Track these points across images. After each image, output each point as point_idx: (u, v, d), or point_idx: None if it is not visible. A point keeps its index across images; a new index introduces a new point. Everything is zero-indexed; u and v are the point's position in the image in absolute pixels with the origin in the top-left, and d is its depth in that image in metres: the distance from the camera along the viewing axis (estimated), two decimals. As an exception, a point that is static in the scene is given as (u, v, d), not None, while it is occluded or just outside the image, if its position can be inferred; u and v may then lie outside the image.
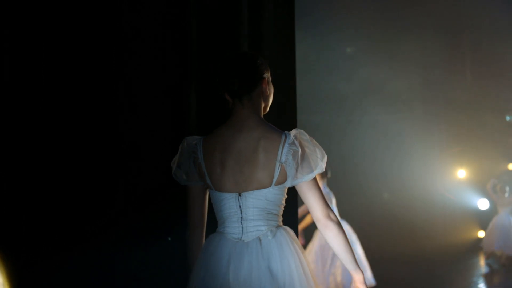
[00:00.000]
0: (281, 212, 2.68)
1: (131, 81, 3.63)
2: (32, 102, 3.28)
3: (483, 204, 13.34)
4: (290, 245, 2.61)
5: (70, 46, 3.39)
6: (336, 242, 2.61)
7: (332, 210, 2.63)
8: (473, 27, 13.13)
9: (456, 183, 13.38)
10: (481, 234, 13.31)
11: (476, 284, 9.25)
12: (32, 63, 3.28)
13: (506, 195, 10.88)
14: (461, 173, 13.34)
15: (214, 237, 2.69)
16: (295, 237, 2.69)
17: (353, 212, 11.79)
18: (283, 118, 4.24)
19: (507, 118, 14.06)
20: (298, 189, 2.62)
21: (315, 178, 2.61)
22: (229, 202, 2.62)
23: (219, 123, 2.77)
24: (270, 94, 2.77)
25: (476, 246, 12.88)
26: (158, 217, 3.63)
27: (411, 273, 8.72)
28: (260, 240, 2.59)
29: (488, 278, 9.97)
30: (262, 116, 2.73)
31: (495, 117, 13.70)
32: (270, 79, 2.77)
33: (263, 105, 2.74)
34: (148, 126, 3.69)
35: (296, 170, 2.56)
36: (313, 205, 2.60)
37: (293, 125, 4.29)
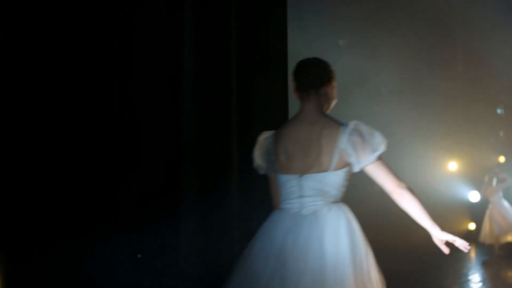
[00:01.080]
0: (340, 194, 3.04)
1: (129, 81, 3.63)
2: (28, 99, 3.27)
3: (474, 196, 13.40)
4: (345, 221, 2.94)
5: (67, 45, 3.38)
6: (413, 206, 2.99)
7: (402, 180, 3.00)
8: (465, 19, 13.14)
9: (447, 176, 13.43)
10: (471, 226, 13.39)
11: (467, 275, 9.30)
12: (30, 63, 3.27)
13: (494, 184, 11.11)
14: (452, 165, 13.38)
15: (276, 212, 3.11)
16: (352, 216, 3.00)
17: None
18: (275, 110, 4.25)
19: (498, 111, 14.11)
20: (366, 171, 2.99)
21: (380, 159, 2.97)
22: (291, 182, 3.02)
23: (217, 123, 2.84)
24: (332, 98, 3.18)
25: (467, 238, 12.91)
26: (156, 216, 3.64)
27: (402, 265, 8.75)
28: (316, 214, 2.95)
29: (480, 269, 10.03)
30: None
31: (486, 110, 13.73)
32: (335, 87, 3.20)
33: (325, 105, 3.16)
34: (146, 126, 3.69)
35: (357, 156, 2.94)
36: (384, 180, 2.98)
37: (285, 117, 4.29)
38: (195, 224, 3.86)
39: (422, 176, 12.28)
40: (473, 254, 11.56)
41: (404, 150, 11.93)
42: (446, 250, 3.11)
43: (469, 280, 8.78)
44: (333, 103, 3.21)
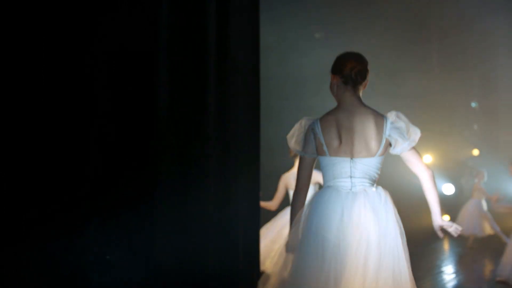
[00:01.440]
0: (378, 177, 3.46)
1: (105, 59, 3.61)
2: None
3: (448, 189, 13.54)
4: (389, 200, 3.39)
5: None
6: (432, 190, 3.57)
7: (429, 168, 3.53)
8: (440, 13, 13.24)
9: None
10: (445, 218, 13.50)
11: (440, 267, 9.39)
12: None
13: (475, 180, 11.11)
14: (427, 158, 13.50)
15: (325, 191, 3.40)
16: (390, 197, 3.42)
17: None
18: (246, 101, 4.25)
19: (472, 104, 14.25)
20: (402, 156, 3.47)
21: (413, 147, 3.44)
22: (342, 164, 3.37)
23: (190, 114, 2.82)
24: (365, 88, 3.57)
25: (441, 230, 13.05)
26: (123, 197, 3.62)
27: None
28: (366, 191, 3.36)
29: (453, 261, 10.14)
30: None
31: (460, 103, 13.86)
32: None
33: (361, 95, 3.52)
34: (119, 113, 3.67)
35: (398, 143, 3.39)
36: (416, 164, 3.50)
37: (256, 108, 4.30)
38: (170, 212, 3.85)
39: (396, 169, 12.33)
40: (446, 246, 11.68)
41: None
42: (441, 234, 3.62)
43: (442, 272, 8.87)
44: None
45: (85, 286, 3.48)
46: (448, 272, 8.81)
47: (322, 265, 3.22)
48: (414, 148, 3.46)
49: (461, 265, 9.56)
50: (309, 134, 3.42)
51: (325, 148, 3.39)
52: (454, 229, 3.60)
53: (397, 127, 3.42)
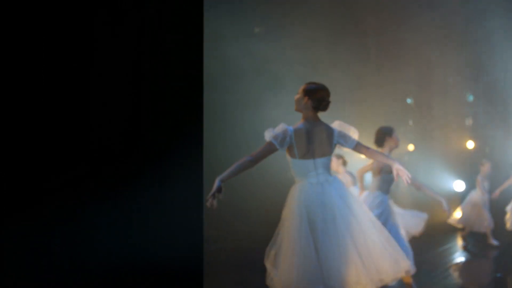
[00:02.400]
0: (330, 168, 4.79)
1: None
2: None
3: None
4: (345, 186, 4.73)
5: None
6: (376, 151, 4.88)
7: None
8: (375, 9, 13.45)
9: (360, 162, 13.75)
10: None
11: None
12: None
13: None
14: (364, 153, 13.71)
15: (299, 184, 4.66)
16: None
17: (276, 193, 11.90)
18: (189, 96, 4.23)
19: (408, 100, 14.55)
20: (354, 150, 4.78)
21: (357, 142, 4.78)
22: (308, 164, 4.66)
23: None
24: None
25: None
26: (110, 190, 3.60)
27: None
28: (327, 180, 4.65)
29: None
30: None
31: (395, 99, 14.13)
32: None
33: None
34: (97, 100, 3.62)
35: (344, 144, 4.75)
36: (367, 152, 4.81)
37: (200, 104, 4.27)
38: (149, 197, 3.82)
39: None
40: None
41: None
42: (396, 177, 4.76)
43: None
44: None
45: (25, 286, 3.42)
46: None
47: (312, 239, 4.41)
48: (358, 142, 4.78)
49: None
50: (286, 136, 4.61)
51: (295, 152, 4.66)
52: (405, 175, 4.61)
53: (342, 135, 4.77)
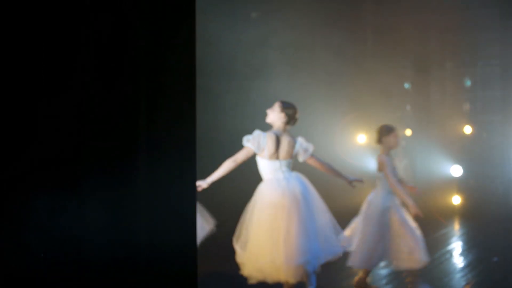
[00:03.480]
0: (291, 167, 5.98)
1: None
2: None
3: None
4: (304, 178, 5.90)
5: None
6: (327, 167, 6.22)
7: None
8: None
9: (356, 148, 13.76)
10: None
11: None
12: None
13: None
14: (361, 138, 13.72)
15: (266, 181, 5.87)
16: (304, 177, 5.92)
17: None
18: (182, 84, 4.20)
19: (406, 85, 14.53)
20: (307, 162, 6.08)
21: (311, 155, 6.05)
22: (274, 164, 5.83)
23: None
24: None
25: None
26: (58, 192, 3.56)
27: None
28: (291, 175, 5.83)
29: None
30: None
31: (393, 84, 14.10)
32: None
33: None
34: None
35: (301, 154, 5.98)
36: (317, 164, 6.11)
37: (192, 93, 4.24)
38: (99, 201, 3.77)
39: (331, 148, 12.53)
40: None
41: (315, 123, 12.12)
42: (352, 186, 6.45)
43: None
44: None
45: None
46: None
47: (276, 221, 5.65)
48: (311, 156, 6.00)
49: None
50: (260, 140, 5.78)
51: (265, 153, 5.80)
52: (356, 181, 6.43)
53: (302, 147, 5.96)
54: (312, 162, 5.96)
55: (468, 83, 14.06)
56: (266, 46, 11.48)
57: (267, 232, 5.51)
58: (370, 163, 13.76)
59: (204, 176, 5.86)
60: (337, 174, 6.14)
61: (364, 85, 13.61)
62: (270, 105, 6.06)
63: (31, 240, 3.49)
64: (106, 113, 3.86)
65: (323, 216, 5.76)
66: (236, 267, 5.73)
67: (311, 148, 5.93)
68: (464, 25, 13.31)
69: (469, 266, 7.68)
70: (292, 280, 5.51)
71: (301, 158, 5.90)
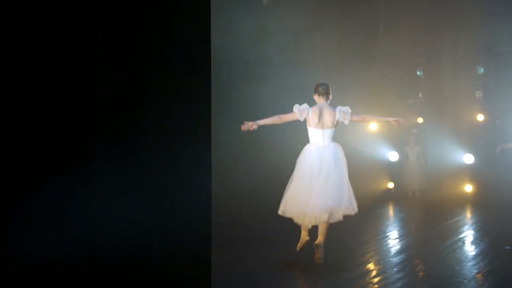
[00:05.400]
0: (334, 137, 6.96)
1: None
2: None
3: (393, 156, 13.79)
4: (341, 149, 6.90)
5: None
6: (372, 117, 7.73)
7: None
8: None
9: (368, 136, 13.74)
10: (390, 185, 13.78)
11: (385, 232, 9.62)
12: None
13: None
14: (373, 126, 13.69)
15: (308, 145, 6.91)
16: (341, 148, 6.95)
17: (267, 164, 11.93)
18: (196, 74, 4.20)
19: (418, 73, 14.47)
20: (352, 120, 6.96)
21: (351, 114, 6.91)
22: (317, 132, 6.84)
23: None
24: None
25: (386, 196, 13.36)
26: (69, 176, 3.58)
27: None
28: (329, 145, 6.85)
29: (397, 226, 10.39)
30: None
31: (406, 72, 14.06)
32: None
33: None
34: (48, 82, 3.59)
35: (342, 119, 6.84)
36: (359, 118, 7.10)
37: (208, 69, 4.23)
38: (110, 179, 3.77)
39: (343, 136, 12.51)
40: (391, 212, 11.97)
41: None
42: (396, 125, 7.24)
43: (387, 236, 9.09)
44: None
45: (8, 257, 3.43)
46: (393, 237, 9.04)
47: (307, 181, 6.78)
48: (351, 115, 6.89)
49: (405, 230, 9.82)
50: (305, 111, 6.81)
51: (311, 121, 6.82)
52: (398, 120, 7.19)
53: (342, 111, 6.84)
54: (355, 118, 6.94)
55: (481, 70, 13.99)
56: (280, 32, 11.47)
57: (302, 187, 6.75)
58: (382, 151, 13.75)
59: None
60: (380, 119, 7.78)
61: (377, 74, 13.58)
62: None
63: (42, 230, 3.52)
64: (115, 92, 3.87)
65: (345, 183, 6.80)
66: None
67: (349, 109, 6.85)
68: (477, 12, 13.22)
69: (481, 254, 7.67)
70: (313, 223, 6.74)
71: (346, 121, 6.86)
